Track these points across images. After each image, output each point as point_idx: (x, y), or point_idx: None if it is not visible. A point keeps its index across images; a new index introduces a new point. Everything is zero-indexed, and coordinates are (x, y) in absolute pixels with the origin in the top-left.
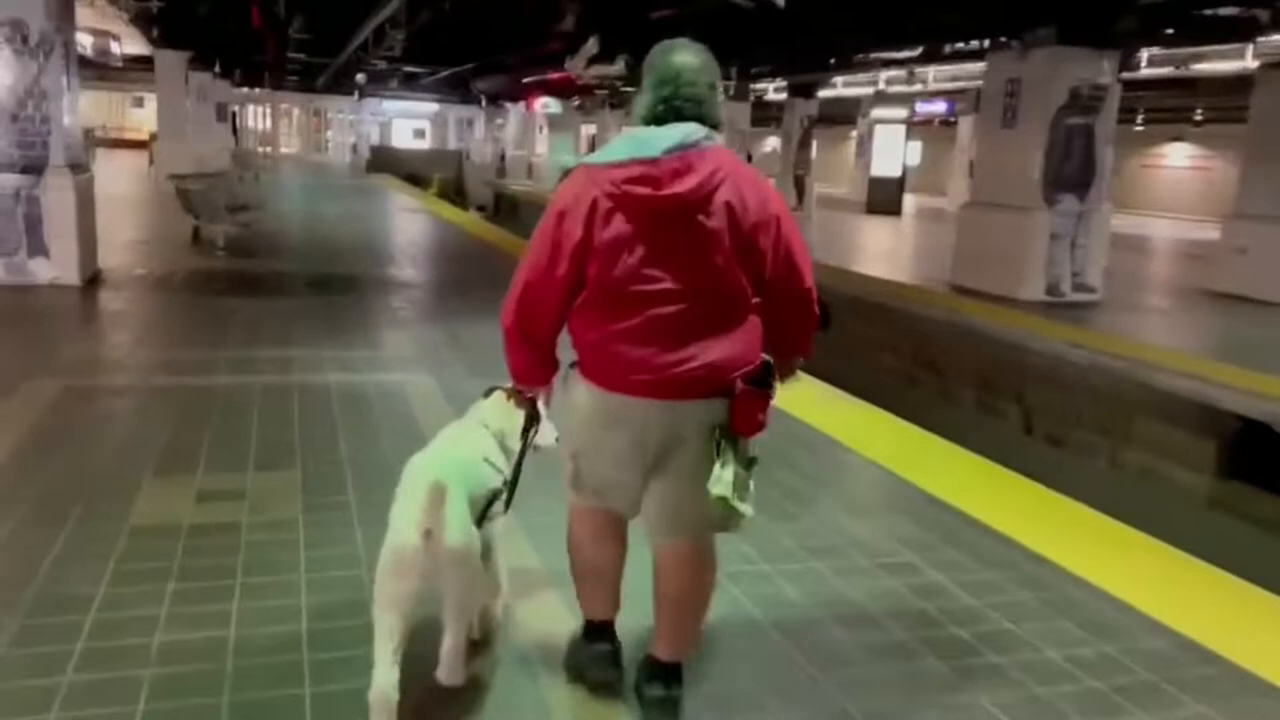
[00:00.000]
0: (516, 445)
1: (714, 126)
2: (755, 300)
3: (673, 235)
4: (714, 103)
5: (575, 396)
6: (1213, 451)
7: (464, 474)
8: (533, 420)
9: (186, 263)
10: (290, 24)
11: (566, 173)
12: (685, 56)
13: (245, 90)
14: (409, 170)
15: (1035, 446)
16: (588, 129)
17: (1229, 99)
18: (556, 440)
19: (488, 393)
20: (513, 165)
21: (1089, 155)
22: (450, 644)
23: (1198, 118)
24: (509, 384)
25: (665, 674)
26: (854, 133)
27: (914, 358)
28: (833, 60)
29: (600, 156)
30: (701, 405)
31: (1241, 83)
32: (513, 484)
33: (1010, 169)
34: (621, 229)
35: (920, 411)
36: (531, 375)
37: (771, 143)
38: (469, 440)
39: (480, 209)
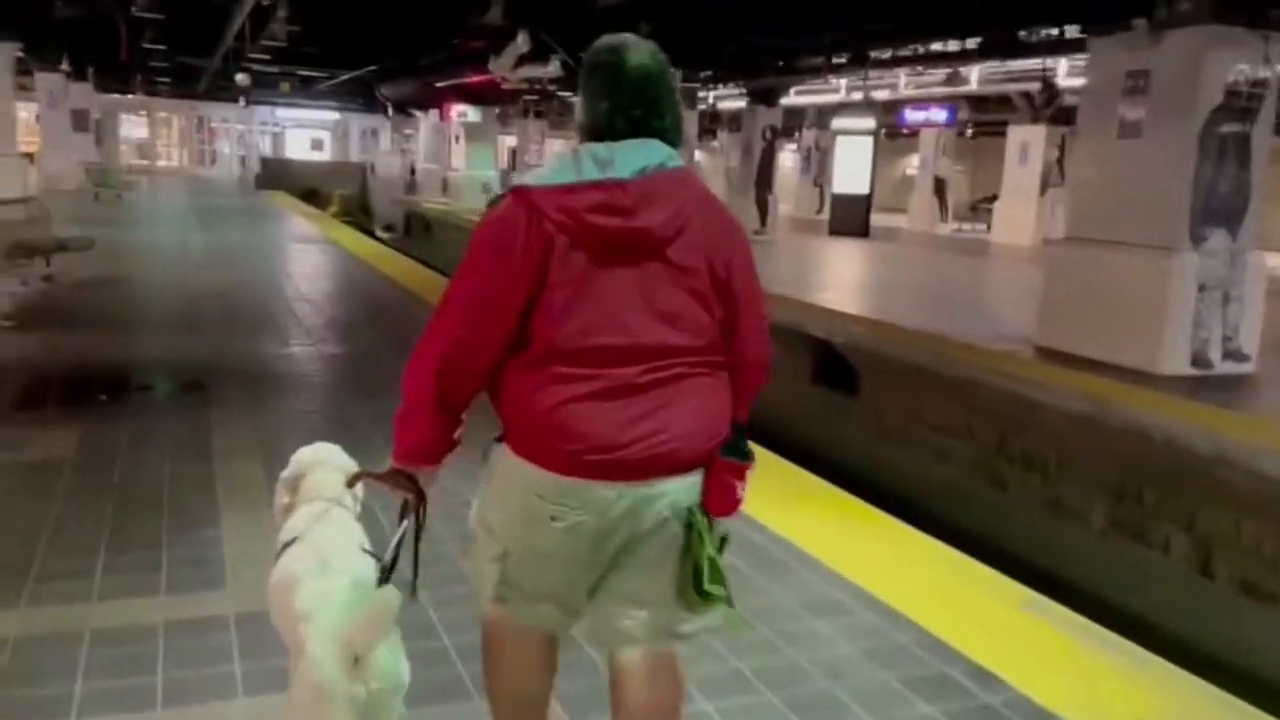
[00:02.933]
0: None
1: (675, 144)
2: (723, 355)
3: (642, 277)
4: (679, 115)
5: (506, 481)
6: None
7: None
8: (419, 504)
9: None
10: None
11: (496, 198)
12: (642, 57)
13: (115, 97)
14: (306, 185)
15: (1224, 597)
16: (507, 140)
17: None
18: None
19: (351, 483)
20: (424, 180)
21: (1244, 175)
22: None
23: None
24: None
25: None
26: (790, 146)
27: (999, 447)
28: (837, 58)
29: (547, 178)
30: (672, 484)
31: None
32: (403, 569)
33: (1137, 194)
34: (580, 270)
35: (1015, 526)
36: (435, 453)
37: (695, 156)
38: (349, 533)
39: (388, 229)
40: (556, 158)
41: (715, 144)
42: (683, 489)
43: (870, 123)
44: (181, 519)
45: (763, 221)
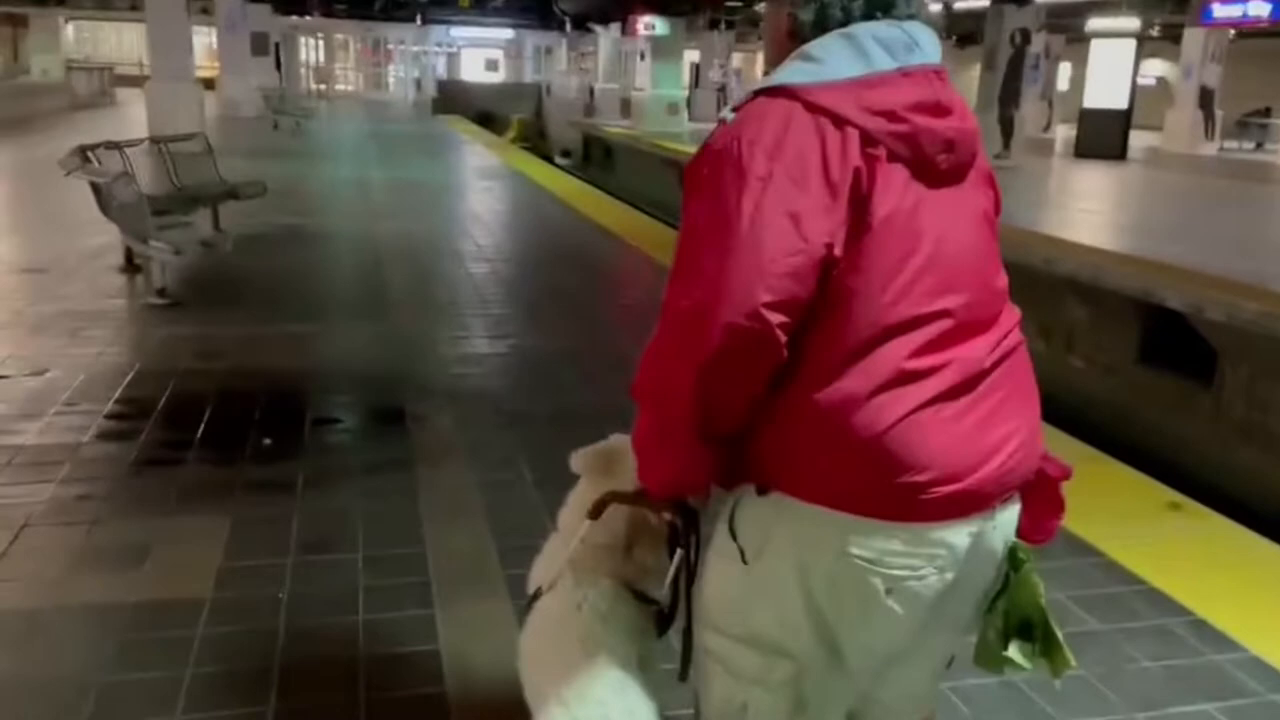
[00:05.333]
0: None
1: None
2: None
3: (962, 205)
4: None
5: (795, 549)
6: None
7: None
8: (690, 532)
9: (53, 340)
10: None
11: (734, 109)
12: None
13: (293, 20)
14: (481, 109)
15: None
16: (690, 55)
17: None
18: None
19: (596, 512)
20: (603, 101)
21: None
22: None
23: None
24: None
25: None
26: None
27: None
28: None
29: (824, 73)
30: (1007, 509)
31: None
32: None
33: None
34: (905, 197)
35: None
36: (698, 482)
37: None
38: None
39: (565, 154)
40: (817, 46)
41: None
42: (1011, 515)
43: (1134, 23)
44: None
45: (1006, 144)
